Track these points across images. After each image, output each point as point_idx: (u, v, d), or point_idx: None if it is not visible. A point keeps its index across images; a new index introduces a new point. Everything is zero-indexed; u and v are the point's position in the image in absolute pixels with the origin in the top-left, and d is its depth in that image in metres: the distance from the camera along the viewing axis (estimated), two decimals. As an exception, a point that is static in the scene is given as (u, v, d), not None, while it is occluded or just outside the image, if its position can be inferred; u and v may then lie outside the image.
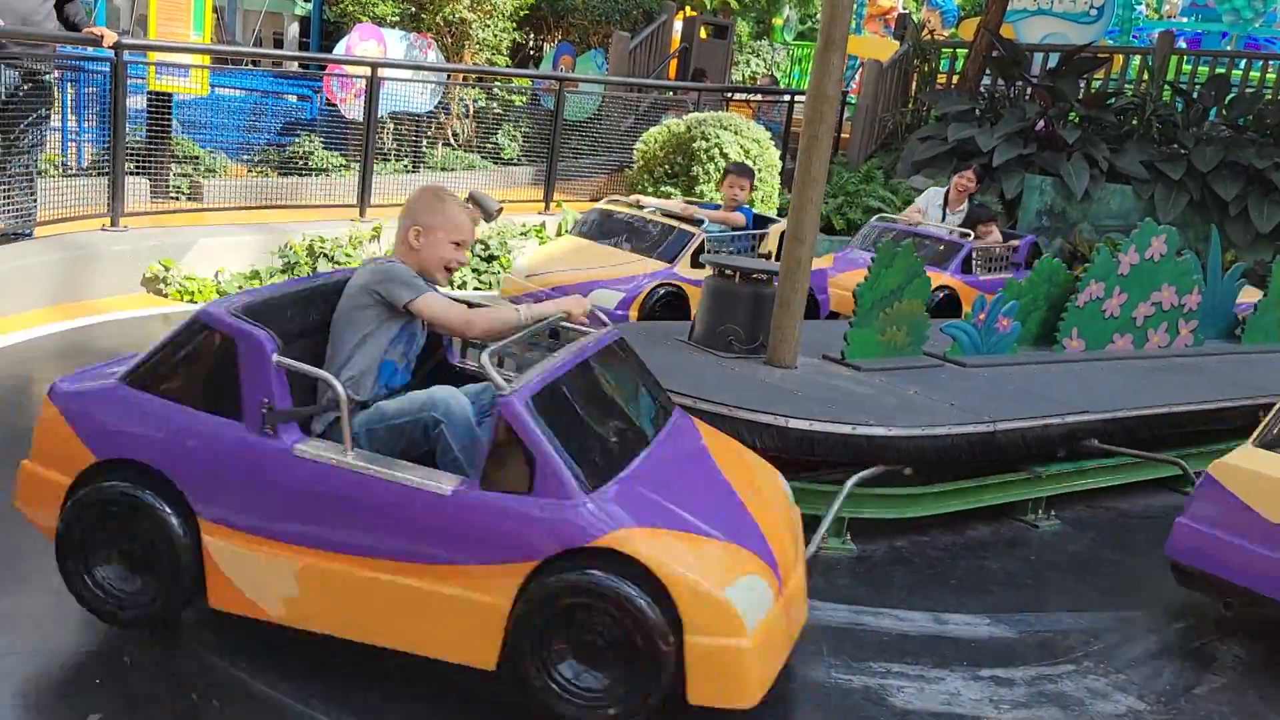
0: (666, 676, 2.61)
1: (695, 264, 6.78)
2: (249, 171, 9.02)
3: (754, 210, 7.77)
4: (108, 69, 6.86)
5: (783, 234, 7.26)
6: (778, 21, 22.84)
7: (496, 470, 2.71)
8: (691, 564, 2.65)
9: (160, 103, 7.72)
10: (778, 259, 7.20)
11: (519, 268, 7.24)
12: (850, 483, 4.10)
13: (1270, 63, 12.52)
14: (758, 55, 20.81)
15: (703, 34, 15.57)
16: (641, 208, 7.45)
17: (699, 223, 7.19)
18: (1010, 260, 8.38)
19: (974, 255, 8.07)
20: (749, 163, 9.41)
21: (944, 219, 8.64)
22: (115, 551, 2.94)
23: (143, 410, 2.92)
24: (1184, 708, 3.28)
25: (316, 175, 9.02)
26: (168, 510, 2.85)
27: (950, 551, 4.29)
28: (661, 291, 6.73)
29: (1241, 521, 3.57)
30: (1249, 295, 7.03)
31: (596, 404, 3.17)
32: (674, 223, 7.18)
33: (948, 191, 8.76)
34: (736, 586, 2.67)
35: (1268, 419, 3.77)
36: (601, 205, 7.73)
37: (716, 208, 7.60)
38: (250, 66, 11.64)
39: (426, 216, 3.27)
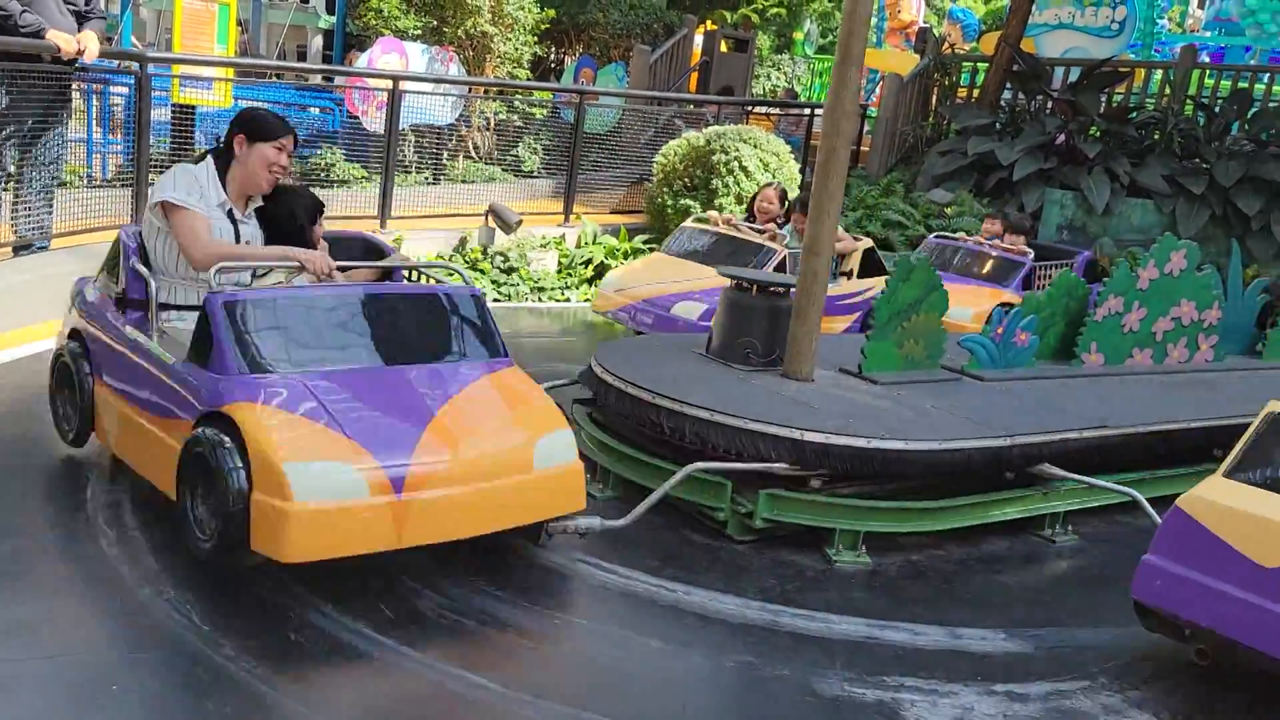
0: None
1: None
2: (271, 183, 9.09)
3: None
4: (133, 82, 6.94)
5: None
6: (798, 35, 22.90)
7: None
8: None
9: (184, 115, 7.81)
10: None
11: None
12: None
13: (1294, 77, 12.43)
14: (778, 69, 20.85)
15: (724, 47, 15.62)
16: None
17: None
18: None
19: None
20: (769, 176, 9.43)
21: None
22: None
23: None
24: (1201, 726, 3.26)
25: (338, 187, 9.09)
26: None
27: (965, 566, 4.27)
28: None
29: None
30: None
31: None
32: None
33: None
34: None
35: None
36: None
37: None
38: (274, 79, 11.77)
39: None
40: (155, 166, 7.45)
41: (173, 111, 7.86)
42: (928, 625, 3.69)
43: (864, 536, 4.21)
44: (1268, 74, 12.59)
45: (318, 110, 11.40)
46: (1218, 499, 3.29)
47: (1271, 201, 10.27)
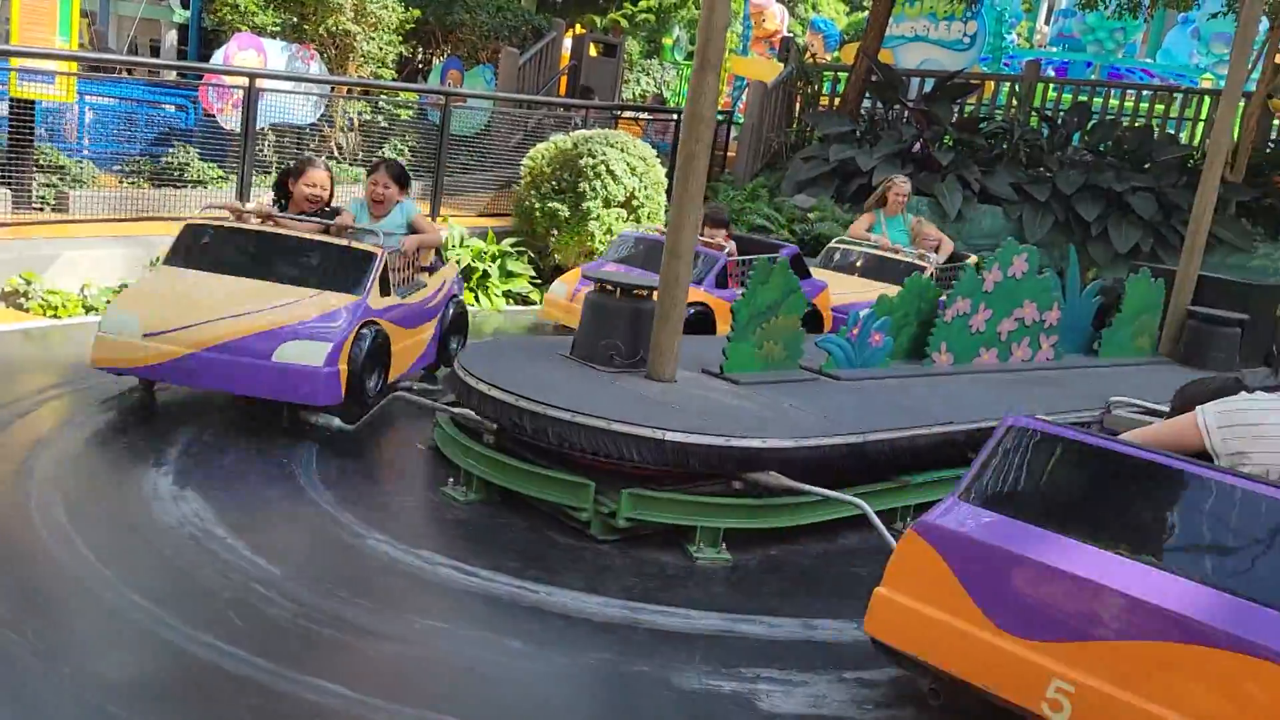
0: None
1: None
2: (120, 182, 8.72)
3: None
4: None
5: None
6: (667, 41, 23.13)
7: None
8: None
9: (22, 110, 7.43)
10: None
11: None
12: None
13: (1129, 91, 13.23)
14: (648, 74, 21.01)
15: (593, 51, 15.69)
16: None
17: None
18: None
19: None
20: (635, 180, 9.51)
21: None
22: None
23: None
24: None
25: (193, 187, 8.77)
26: None
27: (822, 559, 4.40)
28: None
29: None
30: None
31: None
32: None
33: None
34: None
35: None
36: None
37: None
38: (125, 74, 11.29)
39: None
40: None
41: (10, 106, 7.46)
42: (784, 618, 3.78)
43: (724, 533, 4.29)
44: (1106, 88, 13.35)
45: (172, 108, 10.97)
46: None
47: (1109, 209, 10.90)
